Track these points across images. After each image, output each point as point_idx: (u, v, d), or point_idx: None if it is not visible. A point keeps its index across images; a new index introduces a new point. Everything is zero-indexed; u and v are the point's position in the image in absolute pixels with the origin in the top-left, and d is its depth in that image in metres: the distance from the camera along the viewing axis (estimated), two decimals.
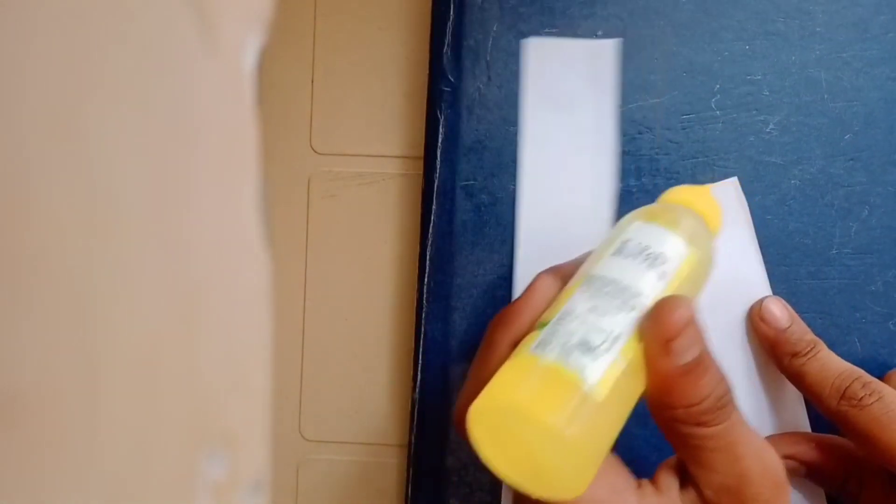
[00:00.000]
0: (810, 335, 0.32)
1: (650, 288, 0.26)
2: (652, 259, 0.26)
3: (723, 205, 0.34)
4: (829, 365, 0.31)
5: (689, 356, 0.24)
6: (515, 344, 0.26)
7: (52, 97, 0.10)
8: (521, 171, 0.35)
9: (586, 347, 0.24)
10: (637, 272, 0.26)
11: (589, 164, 0.35)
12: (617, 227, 0.29)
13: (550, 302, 0.27)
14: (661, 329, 0.24)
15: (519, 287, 0.35)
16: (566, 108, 0.35)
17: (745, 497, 0.25)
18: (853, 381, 0.30)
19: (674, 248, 0.27)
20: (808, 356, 0.32)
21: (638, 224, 0.28)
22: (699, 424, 0.25)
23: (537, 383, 0.24)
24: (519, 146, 0.35)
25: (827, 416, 0.31)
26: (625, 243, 0.27)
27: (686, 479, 0.26)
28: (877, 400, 0.29)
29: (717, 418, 0.25)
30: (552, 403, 0.23)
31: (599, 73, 0.35)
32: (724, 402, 0.25)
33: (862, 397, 0.29)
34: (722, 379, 0.25)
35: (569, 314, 0.25)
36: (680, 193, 0.30)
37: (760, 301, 0.34)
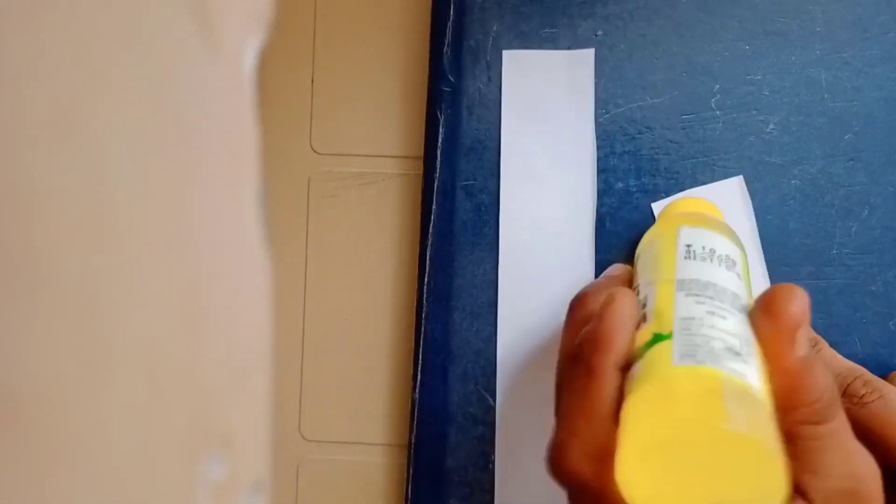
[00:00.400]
0: (812, 332, 0.32)
1: (738, 288, 0.25)
2: (726, 261, 0.26)
3: (727, 203, 0.34)
4: (831, 363, 0.31)
5: (808, 346, 0.23)
6: (623, 368, 0.24)
7: (51, 97, 0.10)
8: (501, 182, 0.35)
9: (734, 352, 0.22)
10: (721, 274, 0.25)
11: (568, 174, 0.35)
12: (657, 235, 0.28)
13: (635, 318, 0.25)
14: (786, 321, 0.23)
15: (505, 300, 0.35)
16: (544, 118, 0.35)
17: (862, 498, 0.23)
18: (855, 379, 0.30)
19: (733, 250, 0.27)
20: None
21: (688, 230, 0.27)
22: (818, 422, 0.23)
23: (708, 396, 0.21)
24: (500, 157, 0.35)
25: None
26: (689, 248, 0.26)
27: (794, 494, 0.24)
28: (878, 398, 0.29)
29: (833, 412, 0.23)
30: (737, 414, 0.21)
31: (577, 83, 0.35)
32: (836, 394, 0.23)
33: (863, 395, 0.29)
34: (828, 370, 0.24)
35: (691, 321, 0.23)
36: (689, 204, 0.30)
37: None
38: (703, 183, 0.35)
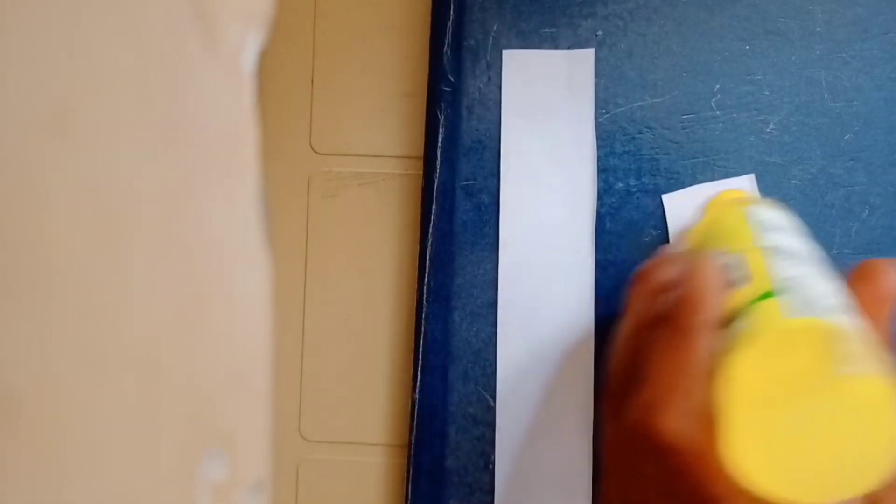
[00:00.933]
0: None
1: (819, 257, 0.25)
2: (793, 229, 0.26)
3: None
4: None
5: None
6: (713, 327, 0.23)
7: (51, 97, 0.10)
8: (501, 182, 0.35)
9: (842, 308, 0.22)
10: (802, 244, 0.25)
11: (568, 174, 0.35)
12: (717, 216, 0.28)
13: (722, 282, 0.24)
14: (884, 287, 0.23)
15: (505, 300, 0.35)
16: (544, 118, 0.35)
17: None
18: None
19: (791, 220, 0.27)
20: None
21: (754, 208, 0.28)
22: None
23: (827, 344, 0.20)
24: (500, 157, 0.35)
25: None
26: (763, 222, 0.26)
27: None
28: None
29: None
30: (859, 359, 0.20)
31: (577, 83, 0.35)
32: None
33: None
34: None
35: (793, 280, 0.23)
36: (734, 193, 0.30)
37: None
38: (703, 182, 0.35)
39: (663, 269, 0.27)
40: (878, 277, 0.23)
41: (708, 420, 0.21)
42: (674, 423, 0.22)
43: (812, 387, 0.20)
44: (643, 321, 0.26)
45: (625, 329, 0.27)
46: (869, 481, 0.20)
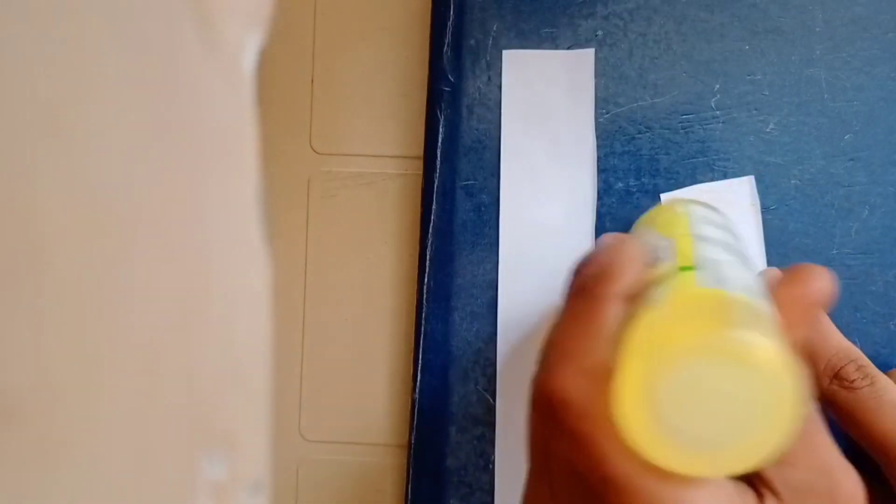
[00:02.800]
0: (872, 368, 0.31)
1: (748, 257, 0.25)
2: (726, 228, 0.26)
3: (736, 201, 0.35)
4: (829, 339, 0.30)
5: (811, 329, 0.23)
6: (625, 299, 0.23)
7: (51, 97, 0.10)
8: (501, 182, 0.35)
9: (756, 293, 0.22)
10: (735, 241, 0.26)
11: (568, 174, 0.35)
12: (660, 210, 0.29)
13: (642, 258, 0.24)
14: (804, 292, 0.23)
15: (505, 300, 0.35)
16: (544, 118, 0.35)
17: (834, 497, 0.22)
18: (849, 363, 0.29)
19: (726, 220, 0.28)
20: (861, 389, 0.31)
21: (692, 205, 0.28)
22: None
23: (731, 313, 0.20)
24: (500, 157, 0.35)
25: (817, 391, 0.30)
26: (703, 217, 0.27)
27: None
28: (868, 385, 0.29)
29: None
30: (760, 332, 0.20)
31: (577, 83, 0.35)
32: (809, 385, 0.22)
33: (854, 380, 0.29)
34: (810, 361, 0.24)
35: (715, 262, 0.23)
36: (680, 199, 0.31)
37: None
38: (703, 182, 0.35)
39: (592, 255, 0.27)
40: (804, 279, 0.23)
41: (605, 381, 0.21)
42: (567, 379, 0.22)
43: (711, 354, 0.19)
44: (566, 299, 0.26)
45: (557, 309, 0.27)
46: (758, 456, 0.20)
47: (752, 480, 0.22)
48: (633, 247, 0.24)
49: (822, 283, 0.23)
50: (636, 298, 0.23)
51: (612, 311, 0.23)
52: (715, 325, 0.20)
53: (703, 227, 0.26)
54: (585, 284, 0.24)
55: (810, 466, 0.22)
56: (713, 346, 0.20)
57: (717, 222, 0.27)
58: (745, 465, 0.20)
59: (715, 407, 0.20)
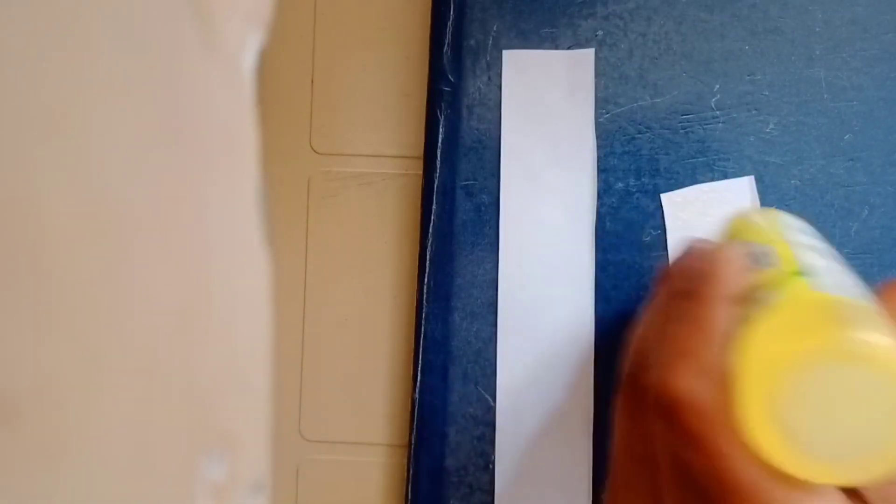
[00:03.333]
0: None
1: (839, 260, 0.25)
2: (820, 238, 0.26)
3: (735, 202, 0.35)
4: None
5: None
6: (732, 301, 0.22)
7: (51, 98, 0.10)
8: (501, 182, 0.35)
9: (865, 297, 0.21)
10: (826, 246, 0.25)
11: (568, 174, 0.35)
12: (745, 218, 0.28)
13: (746, 262, 0.24)
14: None
15: (505, 300, 0.35)
16: (544, 118, 0.35)
17: None
18: None
19: (814, 232, 0.27)
20: None
21: (777, 213, 0.28)
22: None
23: (851, 318, 0.20)
24: (500, 157, 0.35)
25: None
26: (788, 224, 0.26)
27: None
28: None
29: None
30: (883, 336, 0.19)
31: (577, 83, 0.35)
32: None
33: None
34: None
35: (820, 268, 0.22)
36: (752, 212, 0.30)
37: None
38: (703, 182, 0.35)
39: (687, 258, 0.26)
40: None
41: (723, 383, 0.21)
42: (687, 381, 0.21)
43: (835, 357, 0.19)
44: (666, 301, 0.26)
45: (648, 311, 0.26)
46: (886, 465, 0.19)
47: (851, 494, 0.21)
48: (736, 250, 0.24)
49: None
50: (743, 302, 0.22)
51: (722, 311, 0.22)
52: (837, 327, 0.20)
53: (796, 234, 0.25)
54: (689, 285, 0.23)
55: None
56: (837, 348, 0.19)
57: (805, 229, 0.27)
58: (870, 473, 0.20)
59: (840, 412, 0.20)
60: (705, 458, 0.21)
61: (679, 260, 0.27)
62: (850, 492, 0.21)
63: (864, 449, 0.20)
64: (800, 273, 0.22)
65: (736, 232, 0.28)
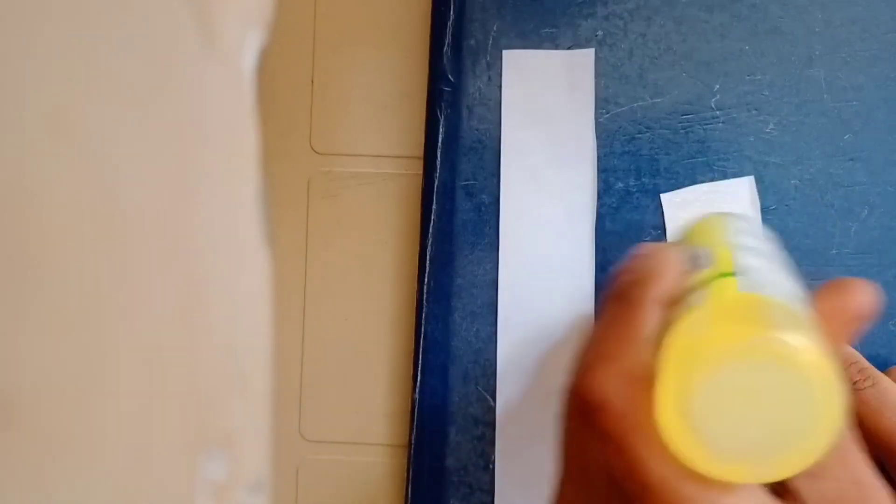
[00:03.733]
0: (872, 369, 0.31)
1: (785, 265, 0.25)
2: (771, 242, 0.26)
3: (735, 202, 0.34)
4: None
5: (850, 343, 0.22)
6: (663, 304, 0.23)
7: (51, 97, 0.10)
8: (501, 182, 0.35)
9: (795, 299, 0.21)
10: (776, 252, 0.25)
11: (568, 174, 0.35)
12: (700, 224, 0.28)
13: (680, 264, 0.24)
14: (851, 305, 0.22)
15: (505, 300, 0.35)
16: (545, 118, 0.35)
17: None
18: (850, 365, 0.29)
19: (768, 236, 0.27)
20: (862, 388, 0.31)
21: (731, 217, 0.27)
22: None
23: (773, 317, 0.20)
24: (500, 157, 0.35)
25: None
26: (742, 228, 0.26)
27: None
28: (871, 385, 0.29)
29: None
30: (802, 337, 0.19)
31: (577, 83, 0.35)
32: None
33: (856, 381, 0.29)
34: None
35: (755, 270, 0.23)
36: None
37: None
38: (703, 182, 0.35)
39: (629, 262, 0.27)
40: (847, 292, 0.23)
41: (643, 385, 0.21)
42: (605, 381, 0.22)
43: (752, 355, 0.19)
44: (603, 306, 0.26)
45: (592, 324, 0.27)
46: (800, 463, 0.20)
47: (780, 492, 0.22)
48: (670, 253, 0.24)
49: (864, 296, 0.22)
50: (675, 304, 0.23)
51: (650, 314, 0.22)
52: (756, 327, 0.20)
53: (741, 237, 0.26)
54: (623, 289, 0.24)
55: (842, 479, 0.21)
56: (755, 347, 0.19)
57: (756, 233, 0.27)
58: (785, 472, 0.20)
59: (756, 412, 0.20)
60: (623, 458, 0.21)
61: (622, 264, 0.27)
62: (779, 487, 0.21)
63: (777, 447, 0.20)
64: (732, 273, 0.22)
65: (689, 236, 0.28)
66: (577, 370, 0.23)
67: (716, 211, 0.32)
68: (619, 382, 0.21)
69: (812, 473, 0.21)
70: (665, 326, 0.22)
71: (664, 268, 0.24)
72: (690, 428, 0.20)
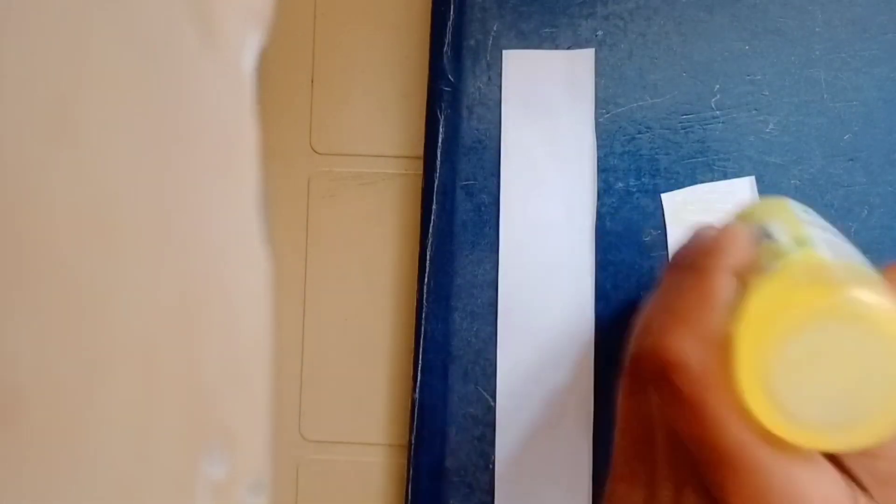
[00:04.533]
0: None
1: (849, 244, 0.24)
2: (830, 226, 0.25)
3: (735, 202, 0.34)
4: None
5: None
6: (736, 273, 0.22)
7: (50, 97, 0.10)
8: (501, 182, 0.35)
9: (868, 267, 0.21)
10: (836, 232, 0.25)
11: (568, 174, 0.35)
12: (756, 207, 0.27)
13: (751, 239, 0.23)
14: None
15: (505, 300, 0.35)
16: (545, 118, 0.35)
17: None
18: None
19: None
20: None
21: (791, 201, 0.27)
22: None
23: (858, 282, 0.19)
24: (500, 157, 0.36)
25: None
26: (799, 209, 0.26)
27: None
28: None
29: None
30: (888, 301, 0.19)
31: (577, 83, 0.35)
32: None
33: None
34: None
35: (829, 242, 0.22)
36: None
37: None
38: (703, 182, 0.35)
39: (693, 239, 0.26)
40: None
41: (719, 348, 0.20)
42: (681, 344, 0.21)
43: (833, 316, 0.19)
44: (669, 277, 0.25)
45: (654, 294, 0.26)
46: (881, 431, 0.19)
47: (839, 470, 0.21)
48: (740, 226, 0.24)
49: None
50: (749, 274, 0.22)
51: (724, 282, 0.22)
52: (835, 288, 0.19)
53: (804, 214, 0.25)
54: (693, 258, 0.23)
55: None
56: (834, 308, 0.19)
57: (813, 214, 0.26)
58: (864, 440, 0.19)
59: (835, 378, 0.19)
60: (695, 421, 0.20)
61: (685, 243, 0.26)
62: (836, 462, 0.21)
63: (856, 415, 0.19)
64: (804, 243, 0.22)
65: (751, 214, 0.27)
66: (648, 333, 0.23)
67: (770, 196, 0.31)
68: (697, 345, 0.21)
69: (870, 452, 0.20)
70: (740, 295, 0.21)
71: (735, 238, 0.23)
72: (769, 393, 0.19)
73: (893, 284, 0.21)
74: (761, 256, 0.22)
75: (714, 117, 0.35)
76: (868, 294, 0.19)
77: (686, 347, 0.21)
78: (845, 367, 0.19)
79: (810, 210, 0.27)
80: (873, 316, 0.19)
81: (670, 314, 0.22)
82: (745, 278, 0.22)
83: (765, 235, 0.24)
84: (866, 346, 0.19)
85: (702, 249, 0.23)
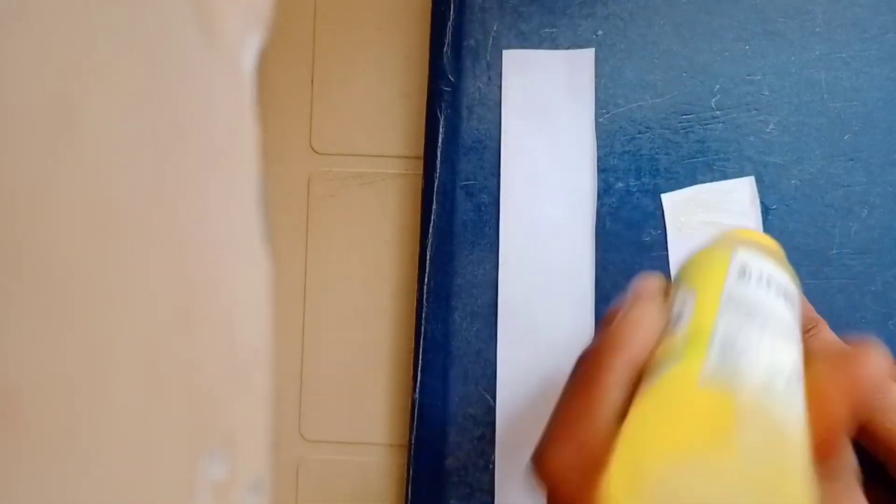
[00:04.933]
0: (813, 312, 0.31)
1: (793, 324, 0.23)
2: (784, 294, 0.23)
3: (735, 202, 0.34)
4: (829, 346, 0.30)
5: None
6: (636, 376, 0.22)
7: (51, 97, 0.10)
8: (501, 182, 0.35)
9: (772, 388, 0.20)
10: (777, 303, 0.23)
11: (568, 174, 0.35)
12: (706, 252, 0.26)
13: (657, 326, 0.23)
14: (857, 383, 0.21)
15: (505, 300, 0.35)
16: (545, 118, 0.36)
17: None
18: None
19: (792, 288, 0.24)
20: (810, 333, 0.31)
21: (745, 252, 0.25)
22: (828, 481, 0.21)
23: (727, 426, 0.19)
24: (500, 157, 0.35)
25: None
26: (744, 269, 0.24)
27: None
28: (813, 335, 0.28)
29: (846, 473, 0.21)
30: (757, 451, 0.18)
31: (577, 83, 0.35)
32: (856, 470, 0.21)
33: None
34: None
35: (732, 342, 0.21)
36: (749, 233, 0.27)
37: None
38: (703, 182, 0.35)
39: (615, 312, 0.26)
40: (855, 365, 0.21)
41: (598, 465, 0.20)
42: (561, 461, 0.21)
43: (699, 471, 0.18)
44: (571, 375, 0.26)
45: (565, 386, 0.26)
46: None
47: None
48: (647, 312, 0.23)
49: (873, 368, 0.21)
50: (646, 372, 0.22)
51: (614, 388, 0.22)
52: (718, 434, 0.19)
53: (744, 287, 0.23)
54: (598, 350, 0.23)
55: None
56: (713, 457, 0.18)
57: (767, 278, 0.24)
58: None
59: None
60: None
61: (613, 311, 0.26)
62: None
63: None
64: (699, 341, 0.21)
65: (688, 269, 0.26)
66: (540, 440, 0.23)
67: (733, 229, 0.29)
68: (573, 462, 0.21)
69: None
70: (635, 395, 0.21)
71: (640, 328, 0.23)
72: None
73: (834, 376, 0.21)
74: (661, 351, 0.22)
75: (714, 117, 0.35)
76: (751, 445, 0.18)
77: (562, 465, 0.21)
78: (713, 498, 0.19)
79: (771, 252, 0.25)
80: (750, 467, 0.18)
81: (557, 423, 0.23)
82: (644, 375, 0.22)
83: (676, 319, 0.23)
84: (743, 491, 0.18)
85: (604, 342, 0.23)
